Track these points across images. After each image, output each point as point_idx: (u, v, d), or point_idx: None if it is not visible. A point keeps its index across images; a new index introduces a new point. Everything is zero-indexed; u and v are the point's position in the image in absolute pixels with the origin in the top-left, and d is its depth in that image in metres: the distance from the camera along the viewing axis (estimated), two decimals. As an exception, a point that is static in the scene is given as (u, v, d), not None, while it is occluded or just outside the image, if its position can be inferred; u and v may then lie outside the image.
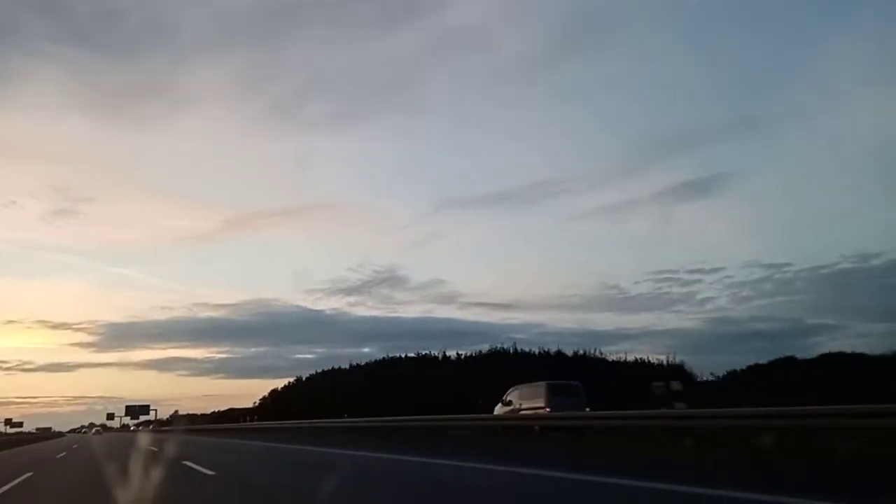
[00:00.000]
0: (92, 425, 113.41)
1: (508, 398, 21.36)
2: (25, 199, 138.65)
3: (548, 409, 18.71)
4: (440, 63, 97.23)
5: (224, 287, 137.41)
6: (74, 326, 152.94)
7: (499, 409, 21.54)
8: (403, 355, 53.52)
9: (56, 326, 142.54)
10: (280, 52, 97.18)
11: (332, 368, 60.07)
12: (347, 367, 57.60)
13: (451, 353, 51.53)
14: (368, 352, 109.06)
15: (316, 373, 62.44)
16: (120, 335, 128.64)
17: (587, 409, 18.20)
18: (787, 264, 75.80)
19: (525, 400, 20.39)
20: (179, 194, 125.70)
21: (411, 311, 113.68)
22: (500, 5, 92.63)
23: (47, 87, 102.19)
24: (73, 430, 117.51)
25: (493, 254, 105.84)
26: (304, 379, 63.22)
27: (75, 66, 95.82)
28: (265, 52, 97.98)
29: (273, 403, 61.47)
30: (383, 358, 55.12)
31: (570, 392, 20.37)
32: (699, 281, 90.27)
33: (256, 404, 66.98)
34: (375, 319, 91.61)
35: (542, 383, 20.53)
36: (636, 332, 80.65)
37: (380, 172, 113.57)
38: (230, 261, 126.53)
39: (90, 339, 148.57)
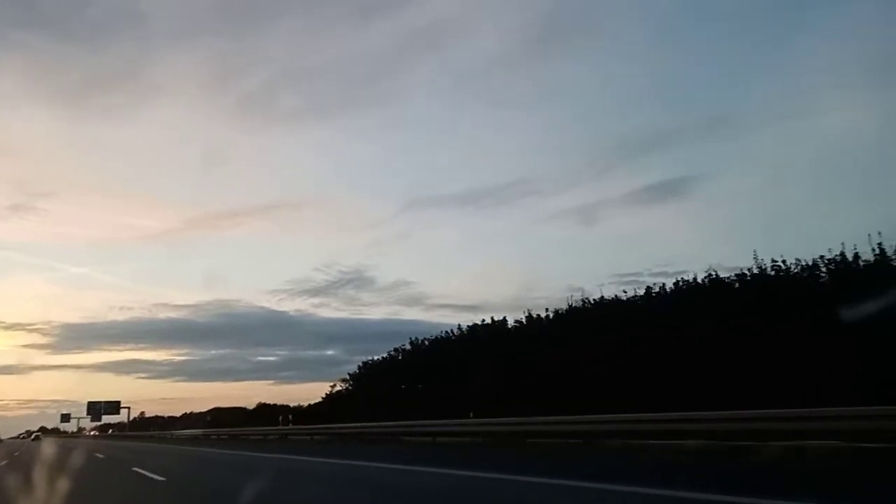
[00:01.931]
0: (40, 431, 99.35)
1: None
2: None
3: None
4: (414, 59, 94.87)
5: (185, 287, 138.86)
6: (29, 327, 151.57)
7: None
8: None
9: (9, 327, 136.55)
10: (251, 44, 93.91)
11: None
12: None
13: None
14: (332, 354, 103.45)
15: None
16: (76, 336, 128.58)
17: None
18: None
19: None
20: (141, 191, 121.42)
21: (377, 312, 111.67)
22: (476, 1, 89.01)
23: (6, 74, 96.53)
24: (22, 435, 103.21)
25: (461, 254, 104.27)
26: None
27: (37, 52, 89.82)
28: (236, 42, 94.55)
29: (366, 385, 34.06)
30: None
31: None
32: (663, 284, 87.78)
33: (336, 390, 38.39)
34: (340, 321, 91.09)
35: None
36: None
37: (350, 170, 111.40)
38: (192, 261, 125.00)
39: (45, 340, 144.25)
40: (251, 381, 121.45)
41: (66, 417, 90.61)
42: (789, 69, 74.38)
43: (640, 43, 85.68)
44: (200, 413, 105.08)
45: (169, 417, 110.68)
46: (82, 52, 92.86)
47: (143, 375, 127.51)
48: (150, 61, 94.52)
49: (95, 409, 66.35)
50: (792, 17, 74.56)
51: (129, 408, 69.00)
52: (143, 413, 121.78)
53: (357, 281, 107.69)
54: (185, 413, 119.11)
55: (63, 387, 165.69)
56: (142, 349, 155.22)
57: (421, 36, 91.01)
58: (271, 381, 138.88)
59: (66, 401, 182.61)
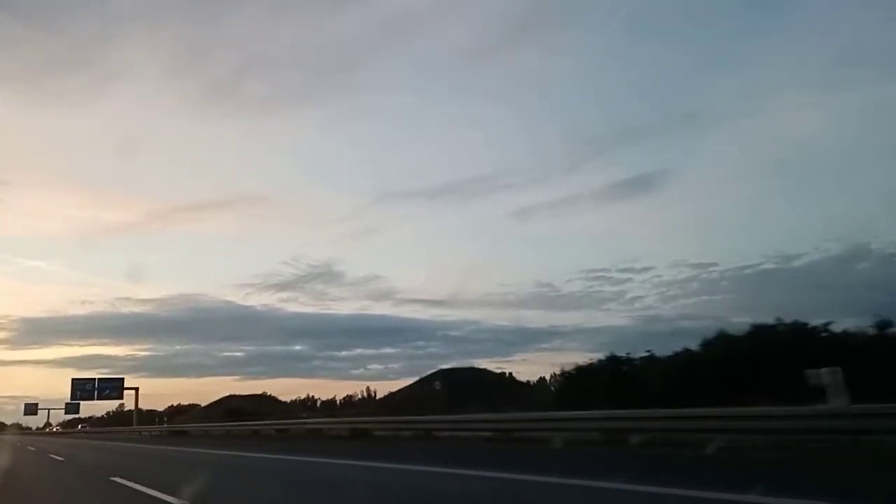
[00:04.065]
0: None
1: None
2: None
3: None
4: (385, 48, 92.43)
5: (149, 282, 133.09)
6: None
7: None
8: None
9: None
10: (217, 27, 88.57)
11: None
12: None
13: None
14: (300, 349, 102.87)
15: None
16: (35, 331, 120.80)
17: None
18: (712, 264, 76.45)
19: None
20: (102, 181, 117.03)
21: (345, 307, 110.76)
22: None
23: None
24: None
25: (432, 248, 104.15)
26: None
27: None
28: (201, 25, 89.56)
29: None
30: None
31: None
32: (629, 280, 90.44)
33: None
34: (308, 316, 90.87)
35: None
36: (568, 330, 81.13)
37: (318, 162, 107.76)
38: (155, 254, 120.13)
39: (2, 335, 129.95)
40: (217, 377, 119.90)
41: (31, 408, 70.15)
42: (753, 68, 76.41)
43: (612, 36, 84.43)
44: (205, 406, 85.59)
45: (148, 411, 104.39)
46: (39, 32, 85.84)
47: (105, 371, 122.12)
48: (111, 43, 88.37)
49: (83, 390, 44.49)
50: (756, 18, 75.25)
51: (136, 389, 47.32)
52: (120, 407, 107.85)
53: (326, 275, 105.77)
54: (171, 406, 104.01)
55: (23, 383, 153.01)
56: (104, 344, 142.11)
57: (391, 25, 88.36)
58: (238, 377, 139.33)
59: (26, 397, 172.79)
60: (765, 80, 76.80)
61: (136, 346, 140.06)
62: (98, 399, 43.33)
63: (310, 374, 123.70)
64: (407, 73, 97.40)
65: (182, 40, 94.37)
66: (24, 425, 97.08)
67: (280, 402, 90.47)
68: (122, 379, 44.38)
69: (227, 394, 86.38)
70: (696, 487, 5.83)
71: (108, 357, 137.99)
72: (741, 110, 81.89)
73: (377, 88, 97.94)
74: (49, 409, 73.38)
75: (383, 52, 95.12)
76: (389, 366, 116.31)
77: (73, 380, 43.02)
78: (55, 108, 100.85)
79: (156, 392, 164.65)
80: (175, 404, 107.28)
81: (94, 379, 43.86)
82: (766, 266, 71.87)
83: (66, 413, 72.24)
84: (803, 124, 71.02)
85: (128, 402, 53.86)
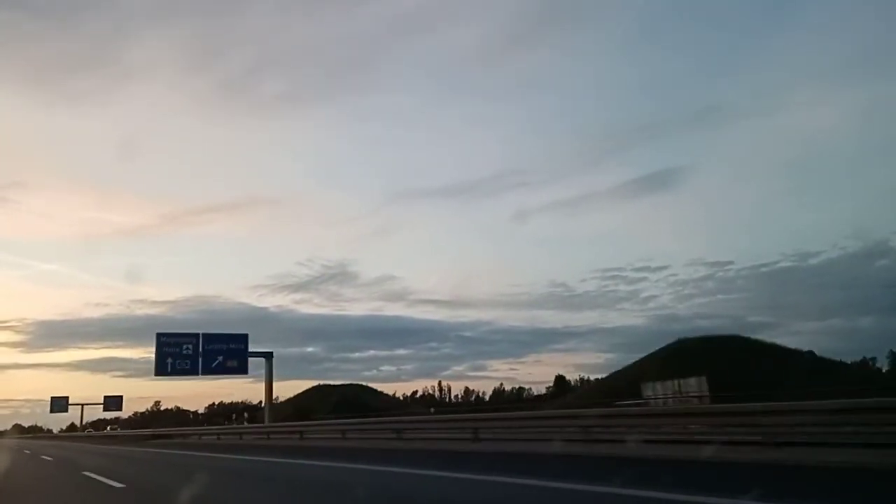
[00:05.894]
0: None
1: None
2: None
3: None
4: (398, 47, 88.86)
5: (163, 284, 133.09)
6: (1, 324, 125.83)
7: None
8: None
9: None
10: (230, 25, 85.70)
11: None
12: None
13: None
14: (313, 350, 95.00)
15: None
16: (50, 334, 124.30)
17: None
18: (729, 262, 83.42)
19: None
20: (115, 183, 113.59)
21: (359, 308, 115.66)
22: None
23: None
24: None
25: (446, 248, 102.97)
26: None
27: (4, 31, 79.49)
28: (215, 25, 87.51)
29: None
30: None
31: None
32: (644, 279, 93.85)
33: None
34: (322, 317, 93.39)
35: None
36: (583, 330, 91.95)
37: (332, 161, 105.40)
38: (170, 256, 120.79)
39: (18, 338, 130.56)
40: (230, 379, 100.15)
41: (59, 404, 52.35)
42: (769, 66, 71.83)
43: (624, 35, 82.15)
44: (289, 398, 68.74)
45: (183, 412, 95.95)
46: (54, 30, 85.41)
47: (119, 374, 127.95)
48: (125, 43, 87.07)
49: (178, 357, 24.31)
50: (770, 16, 71.96)
51: (269, 354, 27.58)
52: (155, 406, 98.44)
53: (340, 276, 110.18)
54: (211, 405, 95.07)
55: (38, 386, 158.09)
56: (118, 347, 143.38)
57: (404, 25, 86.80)
58: (250, 379, 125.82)
59: (41, 400, 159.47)
60: (781, 77, 74.20)
61: (151, 349, 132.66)
62: (204, 374, 24.34)
63: (322, 376, 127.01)
64: (420, 73, 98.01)
65: (195, 40, 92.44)
66: (45, 428, 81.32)
67: (381, 394, 76.35)
68: (245, 336, 25.53)
69: (316, 384, 72.95)
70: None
71: (123, 360, 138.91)
72: (757, 108, 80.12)
73: (390, 88, 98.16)
74: (82, 405, 56.38)
75: (396, 52, 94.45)
76: (402, 367, 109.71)
77: (158, 336, 24.22)
78: (69, 109, 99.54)
79: (173, 395, 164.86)
80: (215, 403, 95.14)
81: (197, 335, 24.68)
82: (783, 264, 72.94)
83: (104, 409, 55.59)
84: (820, 121, 68.62)
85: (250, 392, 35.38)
